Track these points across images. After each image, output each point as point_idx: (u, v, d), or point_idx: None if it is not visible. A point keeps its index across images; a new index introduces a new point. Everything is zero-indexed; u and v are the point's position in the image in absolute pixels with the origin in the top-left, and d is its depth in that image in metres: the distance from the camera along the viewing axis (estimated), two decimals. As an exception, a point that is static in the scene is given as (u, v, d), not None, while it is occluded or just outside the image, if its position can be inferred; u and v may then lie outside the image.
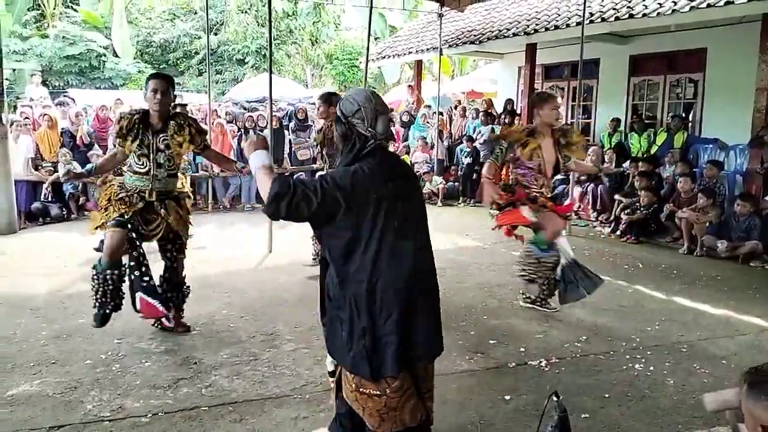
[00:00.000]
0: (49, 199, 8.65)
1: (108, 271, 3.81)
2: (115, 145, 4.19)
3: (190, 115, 4.21)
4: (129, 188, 3.96)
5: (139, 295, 3.88)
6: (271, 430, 2.99)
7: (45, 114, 9.51)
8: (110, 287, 3.81)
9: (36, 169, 8.77)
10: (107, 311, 3.86)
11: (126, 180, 4.02)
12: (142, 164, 3.94)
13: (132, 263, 3.89)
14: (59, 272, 5.85)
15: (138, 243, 3.90)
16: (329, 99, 5.59)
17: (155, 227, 3.98)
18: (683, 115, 10.05)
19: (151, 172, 3.94)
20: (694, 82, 10.09)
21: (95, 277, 3.83)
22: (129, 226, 3.83)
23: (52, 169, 8.77)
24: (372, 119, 2.30)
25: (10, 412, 3.12)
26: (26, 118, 9.42)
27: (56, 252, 6.70)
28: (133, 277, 3.89)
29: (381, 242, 2.24)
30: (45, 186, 8.59)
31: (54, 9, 22.31)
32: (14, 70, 18.70)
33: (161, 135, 3.96)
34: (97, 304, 3.86)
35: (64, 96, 13.24)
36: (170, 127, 3.97)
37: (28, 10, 21.08)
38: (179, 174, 4.31)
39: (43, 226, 8.37)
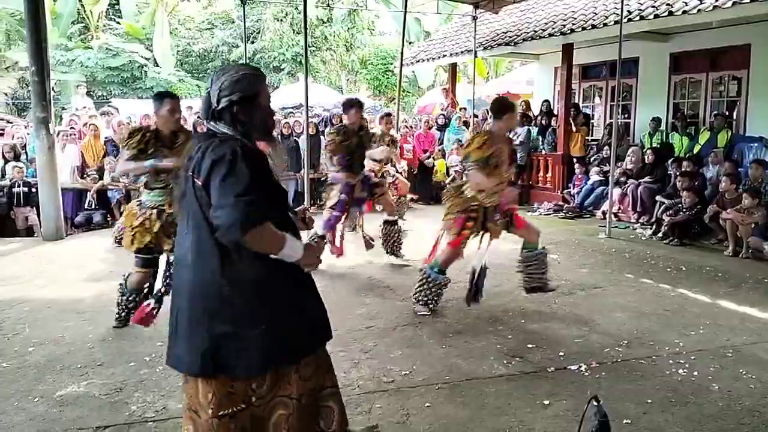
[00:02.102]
0: (94, 206, 8.90)
1: (131, 295, 4.33)
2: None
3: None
4: (148, 206, 4.16)
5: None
6: None
7: (91, 123, 9.80)
8: (131, 306, 4.33)
9: (81, 177, 9.05)
10: (122, 325, 4.43)
11: (144, 198, 4.22)
12: (161, 179, 4.12)
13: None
14: (104, 277, 6.00)
15: (155, 273, 4.35)
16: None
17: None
18: (726, 113, 9.77)
19: (170, 186, 4.05)
20: (738, 79, 9.80)
21: (121, 292, 4.37)
22: (153, 263, 4.27)
23: (96, 176, 9.03)
24: None
25: (59, 412, 3.23)
26: (72, 128, 9.73)
27: (101, 257, 6.89)
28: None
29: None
30: (90, 193, 8.85)
31: (97, 22, 23.01)
32: (59, 80, 19.33)
33: (174, 149, 4.11)
34: (117, 316, 4.43)
35: (108, 106, 13.64)
36: (179, 139, 4.14)
37: (73, 23, 21.84)
38: None
39: (89, 232, 8.62)
